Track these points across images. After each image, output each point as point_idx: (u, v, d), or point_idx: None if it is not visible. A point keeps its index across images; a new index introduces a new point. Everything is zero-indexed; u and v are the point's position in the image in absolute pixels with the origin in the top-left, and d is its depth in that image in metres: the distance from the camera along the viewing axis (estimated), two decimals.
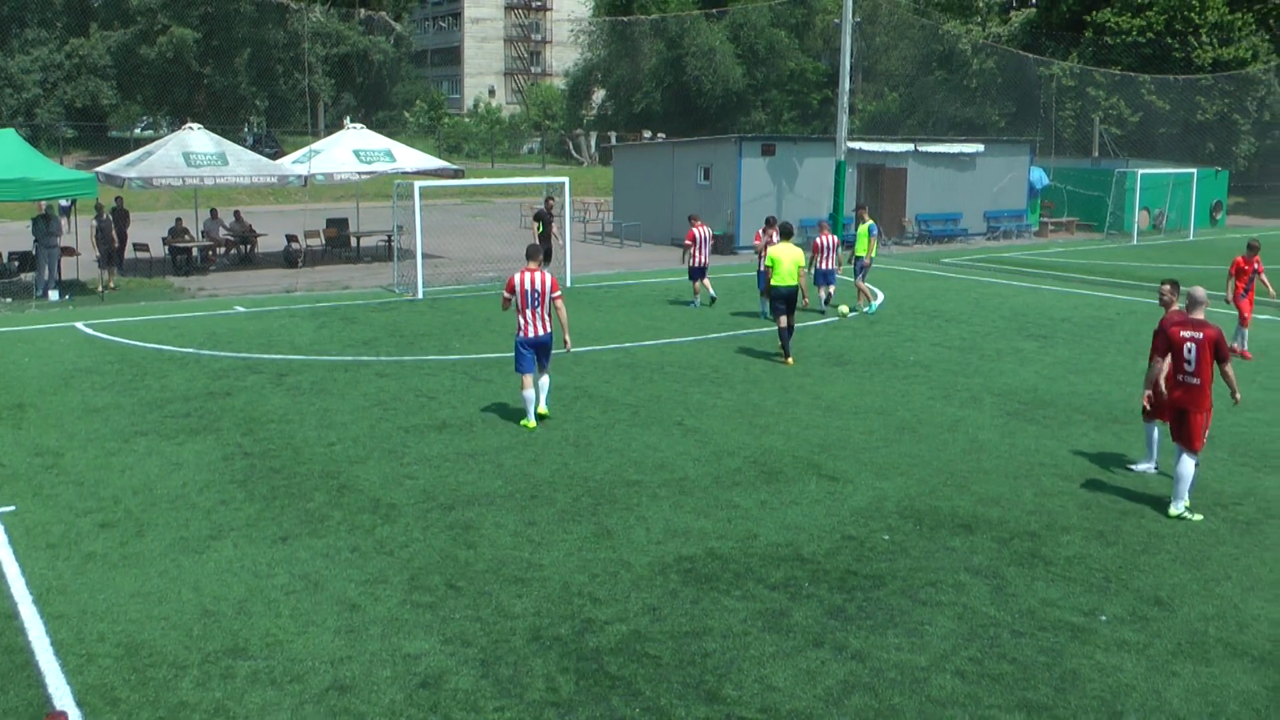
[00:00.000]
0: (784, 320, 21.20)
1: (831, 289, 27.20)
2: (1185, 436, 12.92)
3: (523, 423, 16.33)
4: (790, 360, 20.98)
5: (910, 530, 12.34)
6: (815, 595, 10.54)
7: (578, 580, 10.82)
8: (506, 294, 16.22)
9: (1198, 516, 12.75)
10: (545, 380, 16.70)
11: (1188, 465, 12.83)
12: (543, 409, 16.67)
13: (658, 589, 10.65)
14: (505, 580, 10.80)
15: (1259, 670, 9.25)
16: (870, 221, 27.72)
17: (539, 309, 16.00)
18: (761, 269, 24.35)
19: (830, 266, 26.91)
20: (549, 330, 16.16)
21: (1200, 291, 13.15)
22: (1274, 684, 9.03)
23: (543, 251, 21.30)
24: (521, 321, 16.08)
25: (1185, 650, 9.57)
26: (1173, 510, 12.84)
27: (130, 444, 15.32)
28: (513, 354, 16.52)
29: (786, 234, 21.83)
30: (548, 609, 10.16)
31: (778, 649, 9.45)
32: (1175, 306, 13.97)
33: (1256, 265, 22.34)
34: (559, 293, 16.17)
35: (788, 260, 21.17)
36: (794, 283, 21.09)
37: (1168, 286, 14.29)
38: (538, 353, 16.24)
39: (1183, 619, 10.19)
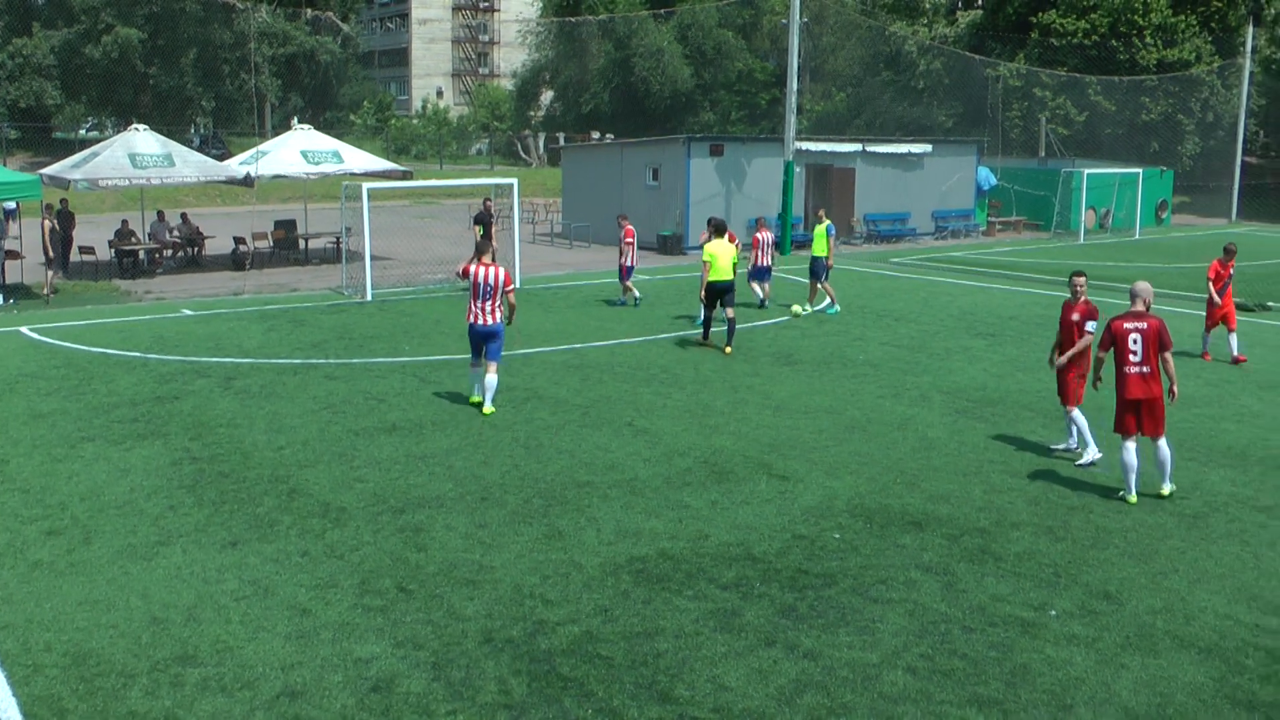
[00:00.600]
0: (715, 312, 22.37)
1: (767, 286, 28.00)
2: (1156, 424, 13.28)
3: (471, 399, 17.56)
4: (726, 349, 22.09)
5: (861, 528, 12.40)
6: (767, 594, 10.58)
7: (529, 582, 10.80)
8: (460, 276, 17.60)
9: (1168, 490, 13.51)
10: (492, 379, 17.16)
11: (1166, 448, 13.40)
12: (488, 408, 17.12)
13: (609, 590, 10.65)
14: (456, 583, 10.77)
15: (1206, 661, 9.36)
16: (828, 222, 27.85)
17: (490, 301, 16.93)
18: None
19: (766, 263, 27.76)
20: (497, 321, 17.05)
21: (1140, 285, 13.57)
22: (1220, 675, 9.14)
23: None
24: (473, 310, 17.00)
25: (1134, 643, 9.67)
26: (1166, 490, 13.45)
27: (77, 450, 15.16)
28: (460, 356, 17.06)
29: (720, 231, 22.64)
30: (499, 611, 10.14)
31: (730, 649, 9.47)
32: (1084, 297, 14.95)
33: (1232, 270, 22.45)
34: (512, 286, 17.32)
35: (724, 256, 21.99)
36: (730, 277, 22.10)
37: (1081, 279, 15.28)
38: (485, 341, 17.07)
39: (1131, 612, 10.29)
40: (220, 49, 79.10)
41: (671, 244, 40.97)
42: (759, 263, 27.74)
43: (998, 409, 17.77)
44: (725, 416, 17.15)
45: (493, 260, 17.20)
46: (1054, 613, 10.25)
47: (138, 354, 21.48)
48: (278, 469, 14.34)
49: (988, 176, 51.63)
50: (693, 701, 8.62)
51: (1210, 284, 22.31)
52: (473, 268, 16.98)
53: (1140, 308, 13.37)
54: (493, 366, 17.10)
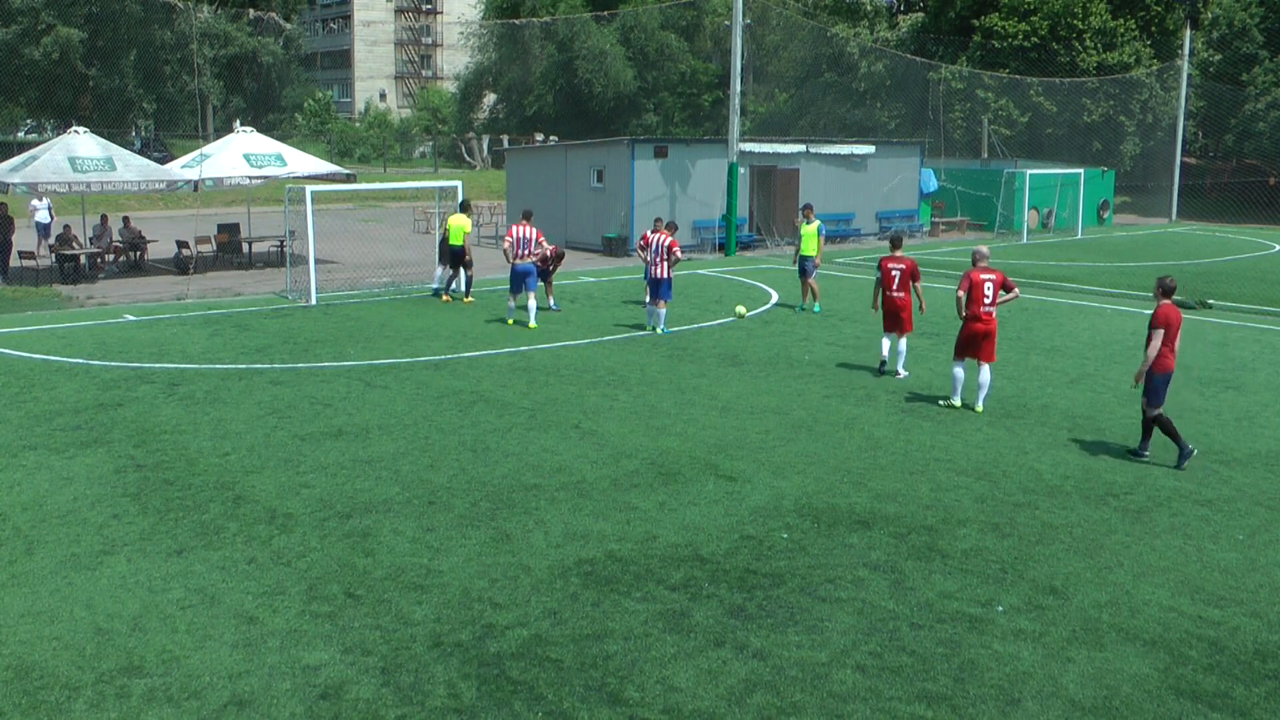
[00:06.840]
0: (450, 270, 29.04)
1: (661, 306, 24.38)
2: (990, 353, 17.52)
3: (510, 321, 25.19)
4: (467, 299, 28.75)
5: (808, 528, 12.45)
6: (715, 595, 10.60)
7: (477, 585, 10.77)
8: (506, 242, 25.48)
9: (980, 409, 17.52)
10: (532, 304, 25.07)
11: (989, 374, 17.62)
12: (533, 325, 24.77)
13: (558, 592, 10.64)
14: (404, 587, 10.72)
15: (1150, 653, 9.48)
16: (818, 222, 27.74)
17: (527, 250, 25.10)
18: (441, 236, 29.68)
19: (663, 275, 24.14)
20: (530, 263, 25.08)
21: (984, 249, 17.80)
22: (1165, 666, 9.26)
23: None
24: (512, 255, 25.02)
25: (1080, 637, 9.78)
26: (980, 408, 17.58)
27: (18, 459, 14.96)
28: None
29: (465, 208, 28.99)
30: (448, 615, 10.11)
31: (679, 649, 9.49)
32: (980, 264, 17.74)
33: None
34: (543, 242, 25.68)
35: (455, 226, 28.26)
36: (460, 242, 28.32)
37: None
38: (524, 279, 24.96)
39: (1077, 607, 10.41)
40: (161, 50, 78.07)
41: (616, 246, 40.98)
42: (654, 274, 24.24)
43: (943, 407, 17.88)
44: (672, 418, 17.18)
45: (528, 222, 25.57)
46: (1001, 608, 10.34)
47: (80, 360, 21.24)
48: (223, 475, 14.23)
49: (929, 179, 51.95)
50: (643, 703, 8.63)
51: None
52: (514, 228, 25.31)
53: (985, 264, 17.43)
54: (531, 295, 24.96)
